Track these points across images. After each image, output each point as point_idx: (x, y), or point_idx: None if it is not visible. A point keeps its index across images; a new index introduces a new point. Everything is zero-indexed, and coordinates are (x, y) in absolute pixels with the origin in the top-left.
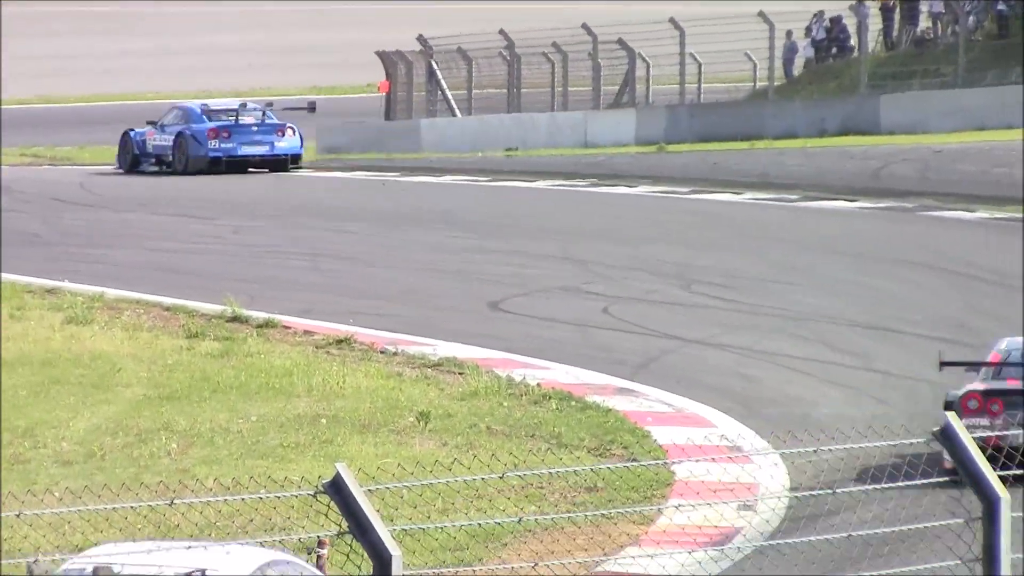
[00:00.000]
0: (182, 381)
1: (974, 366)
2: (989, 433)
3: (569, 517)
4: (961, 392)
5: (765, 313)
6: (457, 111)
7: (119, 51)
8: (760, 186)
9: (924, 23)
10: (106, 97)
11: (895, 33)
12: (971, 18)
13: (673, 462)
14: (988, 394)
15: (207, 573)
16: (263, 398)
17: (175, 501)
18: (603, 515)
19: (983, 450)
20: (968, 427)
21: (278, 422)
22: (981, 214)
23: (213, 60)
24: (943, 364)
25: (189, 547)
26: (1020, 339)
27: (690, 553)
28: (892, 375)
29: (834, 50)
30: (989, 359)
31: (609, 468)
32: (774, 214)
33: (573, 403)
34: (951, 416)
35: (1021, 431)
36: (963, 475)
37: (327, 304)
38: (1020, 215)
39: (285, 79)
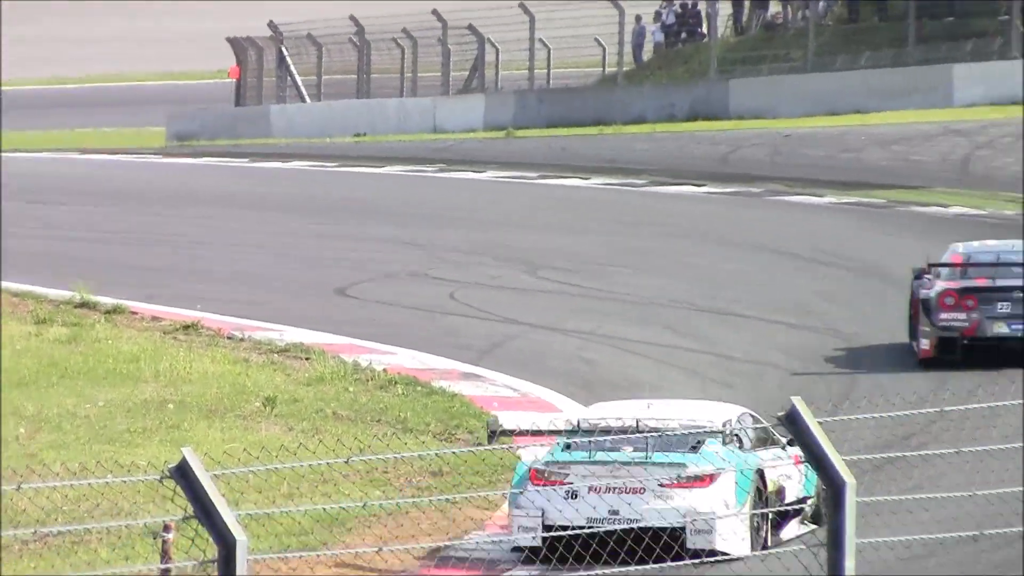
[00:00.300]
0: (30, 367)
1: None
2: (966, 325)
3: (414, 502)
4: (936, 291)
5: (610, 297)
6: (307, 97)
7: None
8: (608, 171)
9: (774, 8)
10: None
11: (745, 18)
12: (821, 3)
13: (518, 447)
14: (963, 292)
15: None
16: (110, 383)
17: (22, 486)
18: (448, 500)
19: (961, 341)
20: (946, 322)
21: (125, 407)
22: (829, 199)
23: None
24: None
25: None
26: (974, 243)
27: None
28: (735, 359)
29: (684, 35)
30: (952, 259)
31: (454, 453)
32: (622, 199)
33: (419, 388)
34: (796, 400)
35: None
36: (809, 460)
37: (175, 290)
38: (867, 200)
39: (134, 66)
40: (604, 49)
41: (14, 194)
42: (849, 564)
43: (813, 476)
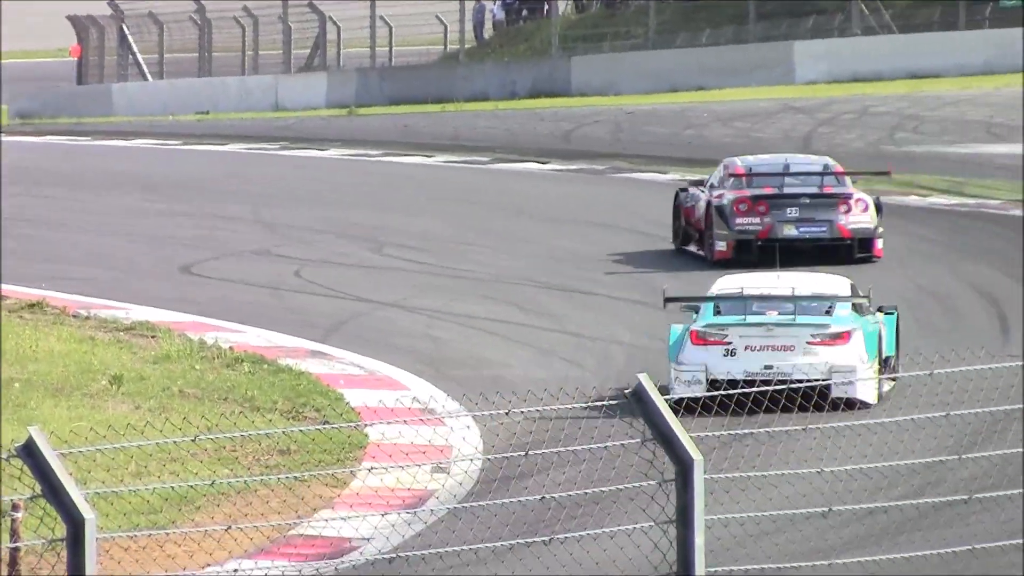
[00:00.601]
0: None
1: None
2: (760, 228)
3: (262, 480)
4: (729, 199)
5: (456, 275)
6: (149, 75)
7: None
8: (452, 148)
9: None
10: None
11: None
12: None
13: (366, 424)
14: (755, 199)
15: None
16: None
17: None
18: (296, 478)
19: (756, 243)
20: (742, 226)
21: None
22: (673, 175)
23: None
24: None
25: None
26: (748, 157)
27: (383, 516)
28: (583, 336)
29: (525, 12)
30: (735, 171)
31: (302, 431)
32: (466, 176)
33: (266, 366)
34: (643, 377)
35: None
36: (656, 437)
37: (19, 269)
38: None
39: None
40: (445, 27)
41: None
42: (699, 540)
43: (892, 334)
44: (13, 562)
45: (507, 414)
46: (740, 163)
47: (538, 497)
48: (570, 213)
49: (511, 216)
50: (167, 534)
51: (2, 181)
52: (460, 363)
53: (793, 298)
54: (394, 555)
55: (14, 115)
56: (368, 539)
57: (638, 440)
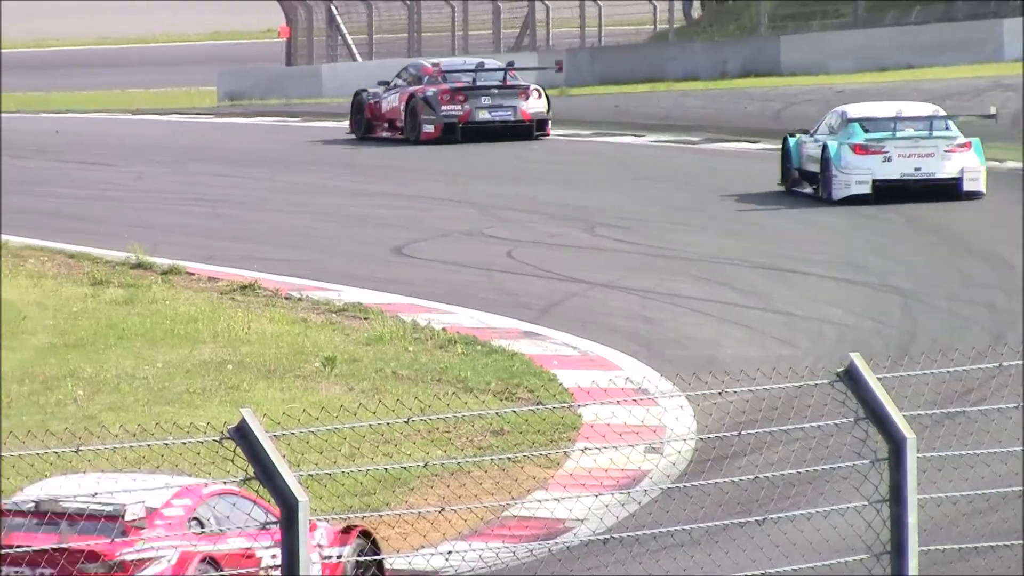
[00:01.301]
0: (87, 328)
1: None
2: (461, 113)
3: (476, 461)
4: (433, 91)
5: (667, 255)
6: (358, 56)
7: None
8: (662, 128)
9: None
10: None
11: None
12: None
13: (579, 405)
14: (455, 91)
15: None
16: (169, 344)
17: (81, 448)
18: (510, 459)
19: (458, 125)
20: (447, 112)
21: (184, 368)
22: None
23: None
24: None
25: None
26: (441, 60)
27: (597, 496)
28: (794, 315)
29: None
30: (426, 71)
31: (515, 412)
32: (676, 156)
33: (479, 347)
34: (855, 356)
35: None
36: (868, 416)
37: (231, 250)
38: None
39: (181, 24)
40: (655, 6)
41: (68, 155)
42: (912, 519)
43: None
44: None
45: (720, 394)
46: (430, 64)
47: (751, 477)
48: (780, 192)
49: (721, 196)
50: (380, 516)
51: (1, 155)
52: (672, 343)
53: (929, 118)
54: (607, 536)
55: (223, 96)
56: (582, 520)
57: (850, 419)
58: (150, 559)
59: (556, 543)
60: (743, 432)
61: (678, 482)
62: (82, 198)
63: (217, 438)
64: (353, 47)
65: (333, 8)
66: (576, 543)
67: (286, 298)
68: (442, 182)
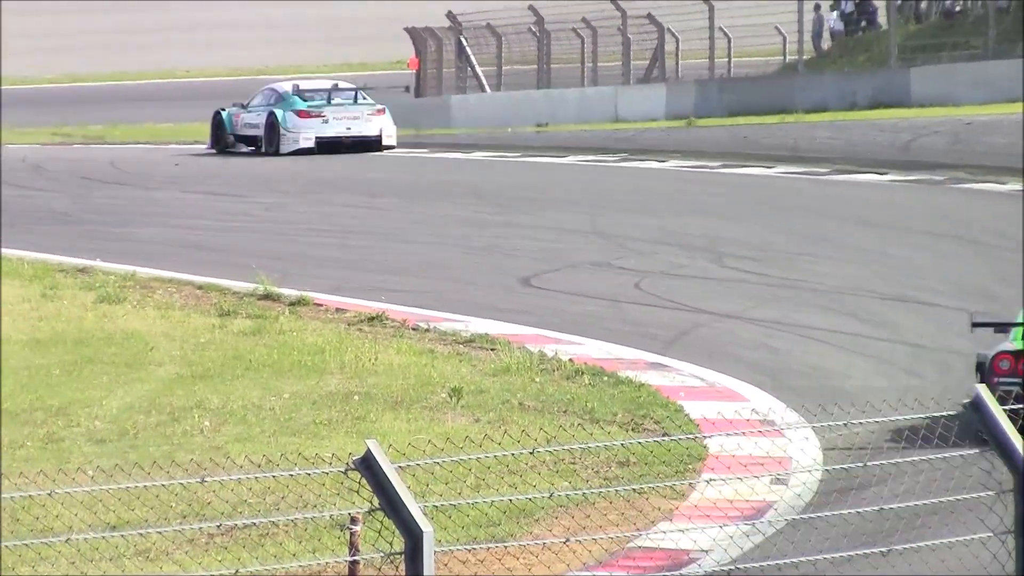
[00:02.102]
0: (215, 359)
1: (1005, 327)
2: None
3: (601, 492)
4: (992, 353)
5: (794, 286)
6: (487, 87)
7: (123, 26)
8: (790, 159)
9: None
10: (129, 75)
11: (924, 5)
12: None
13: (705, 436)
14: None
15: None
16: (295, 375)
17: (206, 479)
18: (635, 490)
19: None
20: (1000, 386)
21: (310, 399)
22: (1013, 186)
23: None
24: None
25: None
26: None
27: (722, 528)
28: (922, 346)
29: (863, 23)
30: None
31: (641, 443)
32: (805, 187)
33: (605, 378)
34: (981, 388)
35: None
36: (994, 447)
37: (358, 281)
38: None
39: (308, 55)
40: (784, 37)
41: (193, 186)
42: None
43: None
44: (352, 573)
45: (845, 425)
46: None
47: (876, 508)
48: (908, 223)
49: (849, 227)
50: (506, 547)
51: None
52: (799, 374)
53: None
54: (732, 567)
55: None
56: (706, 551)
57: (976, 451)
58: None
59: (681, 574)
60: (868, 463)
61: (803, 513)
62: (209, 229)
63: (342, 469)
64: (482, 78)
65: (463, 39)
66: (701, 574)
67: (413, 329)
68: (572, 213)
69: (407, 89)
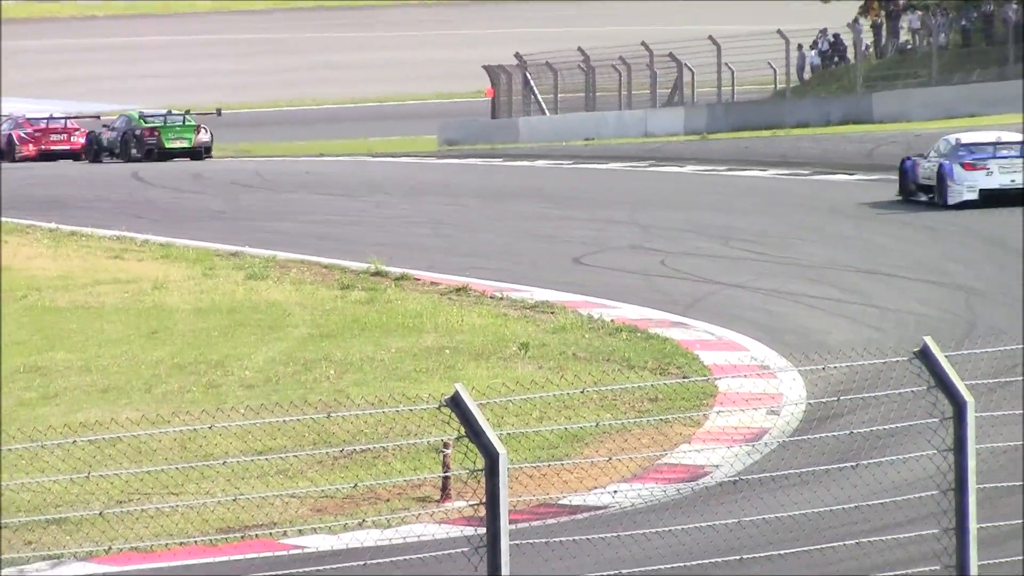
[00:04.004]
0: (337, 323)
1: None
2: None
3: (636, 422)
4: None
5: (789, 263)
6: (546, 110)
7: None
8: (781, 164)
9: (905, 36)
10: (268, 103)
11: (883, 43)
12: (942, 34)
13: (716, 378)
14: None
15: None
16: (400, 335)
17: (332, 414)
18: (662, 420)
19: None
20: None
21: (411, 353)
22: None
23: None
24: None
25: None
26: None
27: (729, 448)
28: (886, 309)
29: (836, 59)
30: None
31: (667, 384)
32: (792, 186)
33: (639, 334)
34: (928, 339)
35: None
36: (938, 385)
37: (448, 262)
38: None
39: (408, 88)
40: (775, 71)
41: (320, 189)
42: (971, 464)
43: None
44: (445, 486)
45: (823, 369)
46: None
47: (847, 432)
48: (873, 214)
49: (828, 216)
50: (562, 464)
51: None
52: (790, 331)
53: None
54: (737, 478)
55: (442, 142)
56: (717, 466)
57: (924, 388)
58: None
59: (698, 484)
60: (842, 398)
61: (792, 437)
62: (332, 222)
63: (437, 406)
64: (543, 104)
65: (527, 74)
66: (713, 484)
67: (491, 297)
68: (613, 208)
69: (218, 114)
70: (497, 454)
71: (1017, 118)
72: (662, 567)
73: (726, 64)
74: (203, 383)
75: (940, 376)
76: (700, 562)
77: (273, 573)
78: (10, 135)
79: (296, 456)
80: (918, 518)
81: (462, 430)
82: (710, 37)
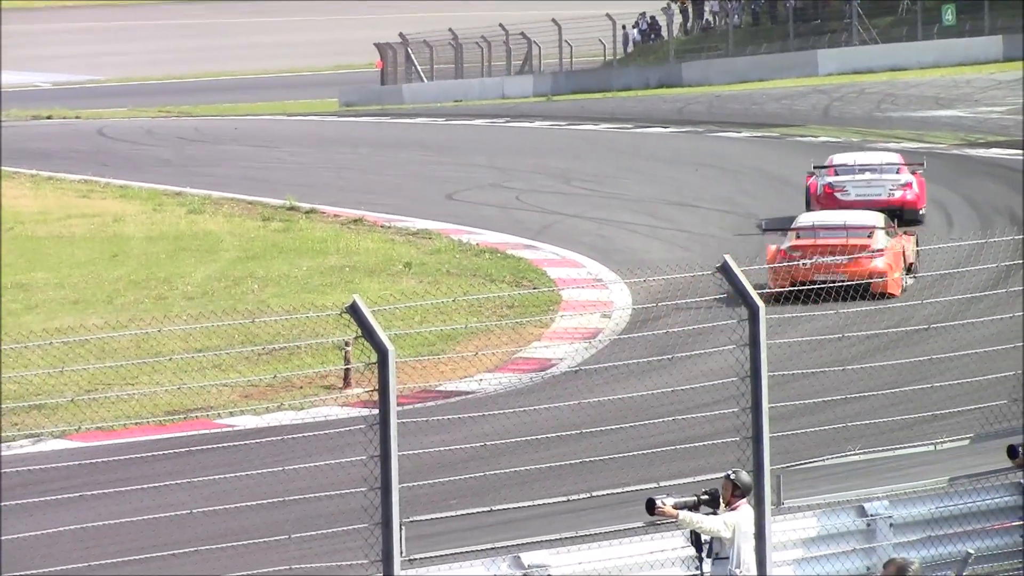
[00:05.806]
0: (260, 247)
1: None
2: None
3: (497, 324)
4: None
5: (614, 197)
6: (424, 78)
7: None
8: (610, 119)
9: (708, 17)
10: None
11: (690, 24)
12: (736, 15)
13: (560, 289)
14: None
15: None
16: (309, 256)
17: (256, 320)
18: (518, 322)
19: None
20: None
21: (319, 271)
22: (746, 134)
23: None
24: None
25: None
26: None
27: (571, 344)
28: (693, 233)
29: (652, 36)
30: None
31: (521, 294)
32: (617, 136)
33: (499, 255)
34: (728, 257)
35: None
36: (736, 294)
37: (348, 198)
38: (768, 134)
39: (310, 64)
40: (604, 46)
41: (247, 141)
42: (763, 354)
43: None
44: (346, 376)
45: (644, 281)
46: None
47: (664, 331)
48: (683, 158)
49: (647, 161)
50: (439, 358)
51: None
52: (617, 251)
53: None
54: (579, 368)
55: (342, 104)
56: (562, 359)
57: (724, 295)
58: None
59: (547, 373)
60: (659, 304)
61: (621, 335)
62: (257, 168)
63: (339, 312)
64: (421, 73)
65: (409, 50)
66: (559, 373)
67: (381, 227)
68: (479, 155)
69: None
70: (387, 350)
71: (797, 82)
72: (518, 439)
73: (566, 41)
74: (153, 296)
75: (737, 286)
76: (548, 435)
77: (210, 446)
78: None
79: (228, 353)
80: (722, 399)
81: (359, 331)
82: (553, 19)
